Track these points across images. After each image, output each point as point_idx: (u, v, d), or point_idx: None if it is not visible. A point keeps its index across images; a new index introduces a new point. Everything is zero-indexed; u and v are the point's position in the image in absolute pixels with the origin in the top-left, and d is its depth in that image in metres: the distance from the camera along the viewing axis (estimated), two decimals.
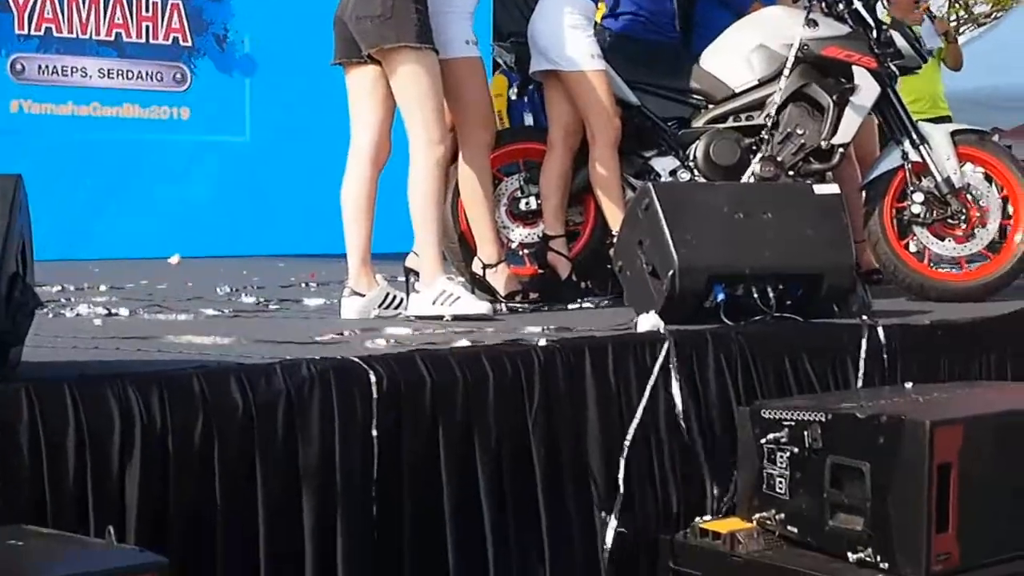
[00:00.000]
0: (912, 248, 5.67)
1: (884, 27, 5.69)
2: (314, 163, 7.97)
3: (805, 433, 3.74)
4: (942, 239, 5.59)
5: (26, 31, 8.16)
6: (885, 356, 4.56)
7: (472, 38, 5.18)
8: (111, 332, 4.26)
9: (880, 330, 4.58)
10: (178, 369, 3.23)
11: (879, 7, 5.80)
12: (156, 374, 3.16)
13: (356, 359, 3.49)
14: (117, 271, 6.80)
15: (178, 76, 8.70)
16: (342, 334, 4.19)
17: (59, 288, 5.97)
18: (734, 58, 5.70)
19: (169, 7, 8.67)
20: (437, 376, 3.57)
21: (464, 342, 3.87)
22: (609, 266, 5.12)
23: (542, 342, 3.88)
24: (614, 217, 5.31)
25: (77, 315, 4.87)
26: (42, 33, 8.21)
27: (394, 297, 4.93)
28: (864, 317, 4.69)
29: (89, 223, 8.02)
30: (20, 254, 3.06)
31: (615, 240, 5.04)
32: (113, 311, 5.00)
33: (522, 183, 5.61)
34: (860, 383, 4.47)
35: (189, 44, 8.73)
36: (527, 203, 5.58)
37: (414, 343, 3.89)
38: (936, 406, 3.85)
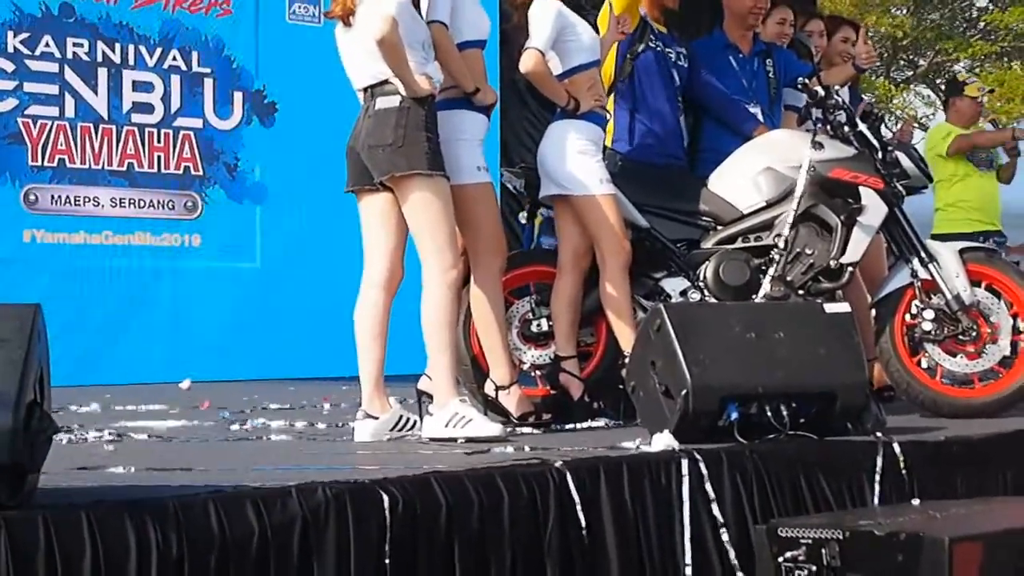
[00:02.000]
0: (924, 365, 5.68)
1: (889, 148, 5.76)
2: (323, 288, 8.04)
3: (823, 551, 3.72)
4: (954, 356, 5.61)
5: (39, 162, 8.27)
6: (903, 472, 4.54)
7: (483, 164, 5.25)
8: (124, 458, 4.26)
9: (896, 446, 4.58)
10: (193, 495, 3.23)
11: (883, 128, 5.88)
12: (171, 500, 3.16)
13: (370, 482, 3.49)
14: (129, 396, 6.81)
15: (189, 204, 8.80)
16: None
17: (73, 413, 5.97)
18: (742, 180, 5.77)
19: (181, 137, 8.79)
20: (451, 498, 3.57)
21: (478, 464, 3.87)
22: (621, 387, 5.13)
23: (557, 463, 3.88)
24: (626, 338, 5.33)
25: (91, 440, 4.87)
26: (55, 164, 8.32)
27: (407, 420, 4.94)
28: (879, 434, 4.69)
29: (102, 349, 8.05)
30: (38, 382, 3.08)
31: (627, 360, 5.05)
32: (126, 436, 5.00)
33: (533, 305, 5.65)
34: (877, 500, 4.45)
35: (200, 173, 8.84)
36: (538, 325, 5.61)
37: (428, 465, 3.88)
38: (954, 522, 3.83)
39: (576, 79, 5.53)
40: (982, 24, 26.73)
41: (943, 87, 24.62)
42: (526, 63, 5.39)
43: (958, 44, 26.11)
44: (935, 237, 7.92)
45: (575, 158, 5.44)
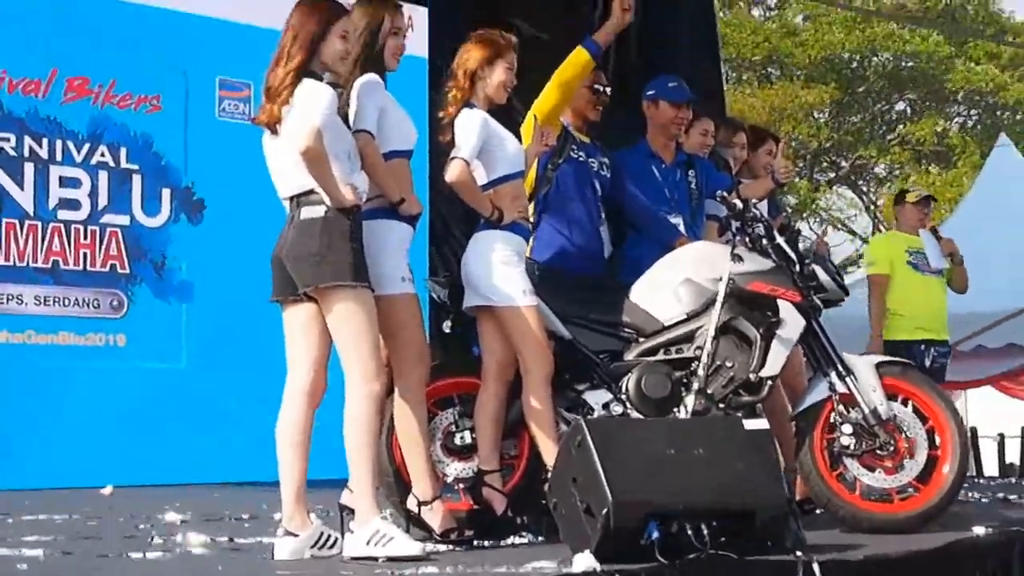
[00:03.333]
0: (845, 477, 5.73)
1: (807, 261, 5.85)
2: (249, 390, 7.99)
3: None
4: (872, 470, 5.66)
5: None
6: None
7: (407, 274, 5.27)
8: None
9: (815, 566, 4.59)
10: None
11: (799, 241, 5.98)
12: None
13: None
14: (48, 501, 6.72)
15: (115, 303, 8.74)
16: None
17: None
18: (662, 292, 5.81)
19: (107, 234, 8.76)
20: None
21: None
22: (544, 501, 5.13)
23: None
24: (548, 452, 5.34)
25: (2, 556, 4.79)
26: None
27: (328, 536, 4.91)
28: (799, 553, 4.71)
29: (21, 451, 7.95)
30: None
31: (549, 476, 5.06)
32: (41, 553, 4.94)
33: (457, 417, 5.65)
34: None
35: (127, 271, 8.79)
36: (462, 437, 5.60)
37: None
38: None
39: (500, 189, 5.57)
40: (900, 128, 27.32)
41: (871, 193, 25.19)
42: (452, 172, 5.43)
43: (878, 149, 26.65)
44: (885, 342, 8.00)
45: (498, 269, 5.47)
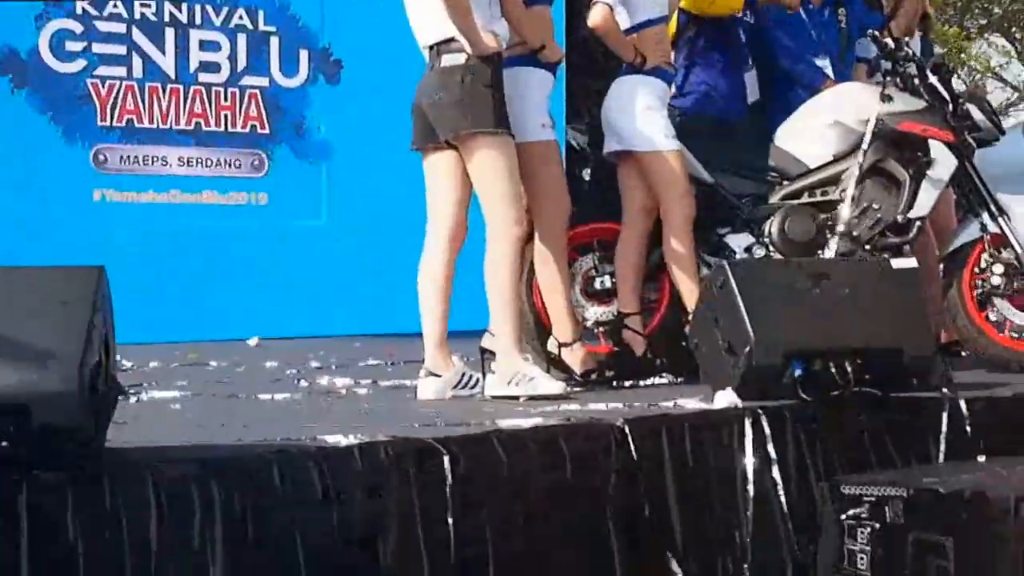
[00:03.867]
0: (992, 319, 5.61)
1: (960, 100, 5.67)
2: (390, 245, 8.04)
3: (886, 509, 3.71)
4: (1023, 310, 5.53)
5: (108, 123, 8.33)
6: (968, 429, 4.50)
7: (548, 121, 5.24)
8: (190, 416, 4.31)
9: (962, 403, 4.54)
10: (257, 455, 3.26)
11: (954, 80, 5.79)
12: (235, 460, 3.20)
13: (431, 441, 3.50)
14: (199, 353, 6.88)
15: (256, 163, 8.82)
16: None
17: (140, 370, 6.04)
18: (809, 135, 5.71)
19: (247, 96, 8.82)
20: (513, 458, 3.58)
21: (539, 422, 3.87)
22: (685, 343, 5.11)
23: (618, 421, 3.87)
24: (690, 294, 5.30)
25: (156, 399, 4.92)
26: (124, 124, 8.37)
27: (470, 377, 4.96)
28: (945, 390, 4.65)
29: (172, 307, 8.11)
30: (103, 344, 3.12)
31: (691, 317, 5.03)
32: (193, 394, 5.06)
33: (596, 262, 5.64)
34: (942, 458, 4.42)
35: (267, 132, 8.85)
36: (602, 282, 5.60)
37: (490, 424, 3.89)
38: (1020, 480, 3.80)
39: (643, 34, 5.49)
40: None
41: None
42: (594, 17, 5.35)
43: None
44: None
45: (640, 114, 5.41)
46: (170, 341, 7.42)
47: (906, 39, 5.83)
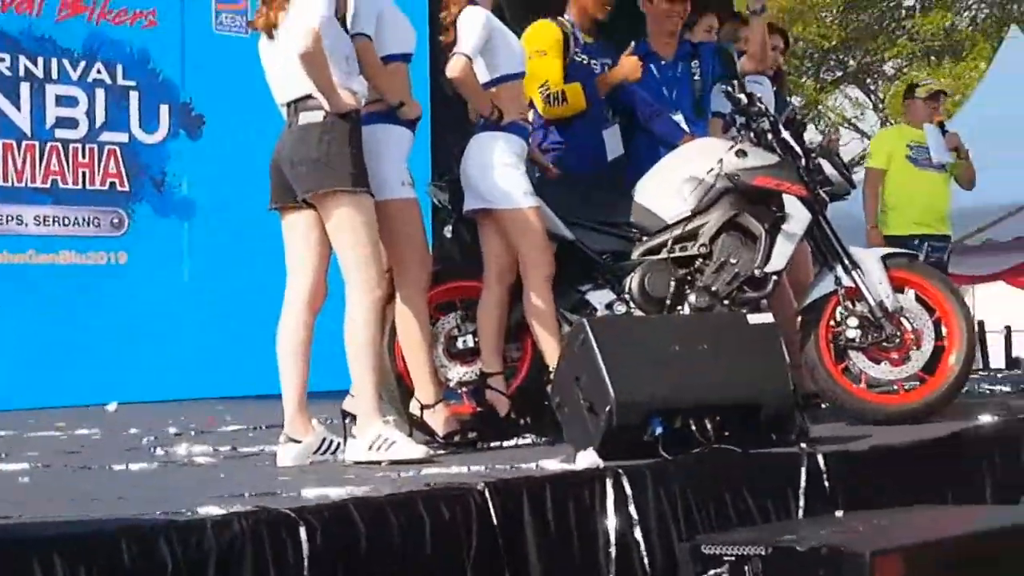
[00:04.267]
0: (849, 371, 5.70)
1: (813, 155, 5.78)
2: (254, 305, 7.95)
3: (746, 568, 3.72)
4: (878, 362, 5.64)
5: None
6: (826, 484, 4.55)
7: (408, 179, 5.22)
8: (39, 490, 4.19)
9: (820, 457, 4.59)
10: (105, 530, 3.18)
11: (809, 132, 5.90)
12: (82, 536, 3.11)
13: (288, 511, 3.45)
14: (54, 420, 6.72)
15: (115, 221, 8.69)
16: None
17: None
18: (666, 190, 5.75)
19: (106, 152, 8.68)
20: (371, 526, 3.53)
21: (399, 488, 3.84)
22: (547, 402, 5.11)
23: (479, 485, 3.85)
24: (551, 352, 5.31)
25: (3, 471, 4.78)
26: None
27: (331, 442, 4.90)
28: (803, 445, 4.70)
29: (27, 371, 7.95)
30: None
31: (552, 376, 5.03)
32: (43, 465, 4.93)
33: (459, 321, 5.62)
34: (802, 513, 4.46)
35: (126, 189, 8.72)
36: (464, 341, 5.58)
37: (348, 492, 3.84)
38: (875, 535, 3.85)
39: (501, 89, 5.50)
40: (909, 24, 27.09)
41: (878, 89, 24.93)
42: (453, 68, 5.35)
43: (884, 42, 26.42)
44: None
45: (498, 170, 5.41)
46: (25, 408, 7.24)
47: (758, 95, 5.91)
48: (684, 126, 6.35)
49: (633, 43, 6.28)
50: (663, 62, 6.47)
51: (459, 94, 5.49)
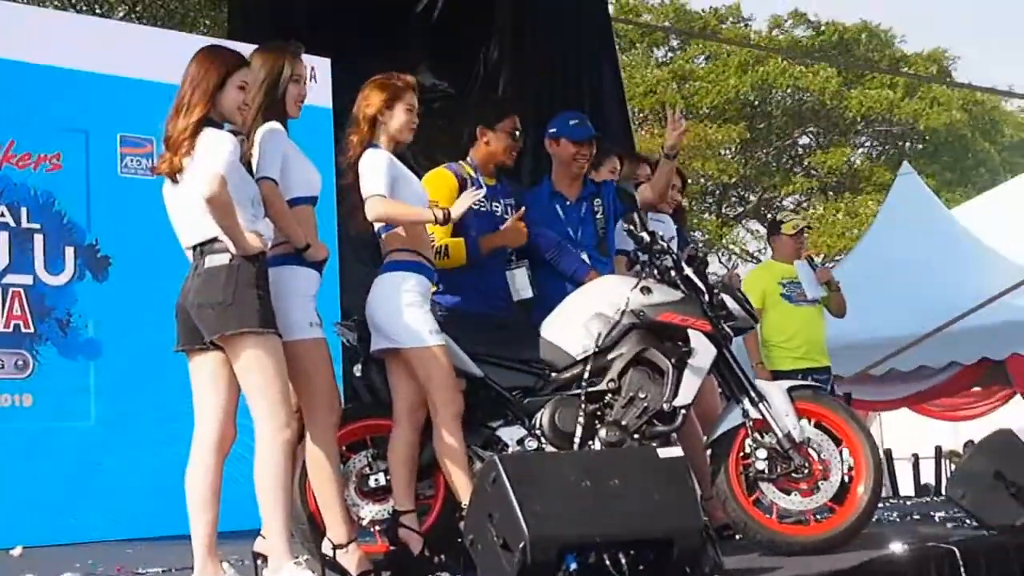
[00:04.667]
0: (760, 503, 5.75)
1: (715, 291, 5.89)
2: (162, 446, 7.87)
3: None
4: (788, 493, 5.70)
5: None
6: None
7: (316, 319, 5.24)
8: None
9: None
10: None
11: (710, 269, 6.01)
12: None
13: None
14: None
15: (20, 363, 8.57)
16: None
17: None
18: (573, 327, 5.82)
19: (10, 295, 8.60)
20: None
21: None
22: (461, 540, 5.10)
23: None
24: (463, 490, 5.31)
25: None
26: None
27: None
28: None
29: None
30: None
31: (465, 514, 5.03)
32: None
33: (370, 459, 5.62)
34: None
35: (31, 331, 8.63)
36: (376, 480, 5.57)
37: None
38: None
39: (407, 228, 5.55)
40: (806, 162, 27.84)
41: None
42: (376, 209, 5.39)
43: (782, 180, 27.10)
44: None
45: (403, 311, 5.44)
46: None
47: (660, 233, 6.02)
48: (589, 264, 6.44)
49: (523, 208, 6.34)
50: (568, 203, 6.58)
51: (374, 234, 5.54)
